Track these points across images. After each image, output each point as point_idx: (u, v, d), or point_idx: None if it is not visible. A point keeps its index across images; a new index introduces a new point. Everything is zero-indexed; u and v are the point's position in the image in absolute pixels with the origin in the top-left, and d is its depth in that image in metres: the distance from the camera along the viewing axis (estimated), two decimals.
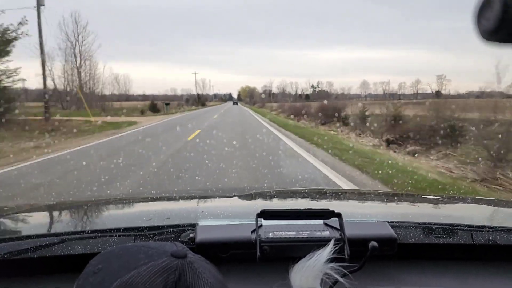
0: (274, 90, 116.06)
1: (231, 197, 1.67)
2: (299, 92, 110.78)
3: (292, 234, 0.84)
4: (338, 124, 18.25)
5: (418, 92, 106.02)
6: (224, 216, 1.19)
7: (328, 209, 0.82)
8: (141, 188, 5.64)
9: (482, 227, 0.97)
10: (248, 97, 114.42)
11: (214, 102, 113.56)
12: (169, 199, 1.69)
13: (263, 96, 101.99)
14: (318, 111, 22.21)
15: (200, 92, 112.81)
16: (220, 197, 1.74)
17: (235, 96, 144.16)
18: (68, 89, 41.24)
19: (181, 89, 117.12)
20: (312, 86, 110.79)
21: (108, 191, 5.48)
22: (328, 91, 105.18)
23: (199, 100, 66.60)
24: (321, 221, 0.89)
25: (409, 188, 5.59)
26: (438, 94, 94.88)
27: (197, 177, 6.47)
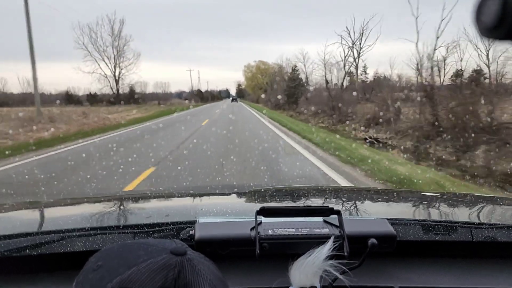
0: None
1: (230, 194, 1.68)
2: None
3: (291, 231, 0.83)
4: None
5: None
6: (223, 213, 1.18)
7: (328, 206, 0.82)
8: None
9: (482, 224, 0.97)
10: (269, 91, 51.01)
11: (168, 107, 40.41)
12: (168, 196, 1.69)
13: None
14: None
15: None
16: (219, 194, 1.74)
17: (232, 92, 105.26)
18: None
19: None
20: (350, 73, 60.03)
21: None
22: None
23: None
24: (320, 219, 0.89)
25: None
26: None
27: None
